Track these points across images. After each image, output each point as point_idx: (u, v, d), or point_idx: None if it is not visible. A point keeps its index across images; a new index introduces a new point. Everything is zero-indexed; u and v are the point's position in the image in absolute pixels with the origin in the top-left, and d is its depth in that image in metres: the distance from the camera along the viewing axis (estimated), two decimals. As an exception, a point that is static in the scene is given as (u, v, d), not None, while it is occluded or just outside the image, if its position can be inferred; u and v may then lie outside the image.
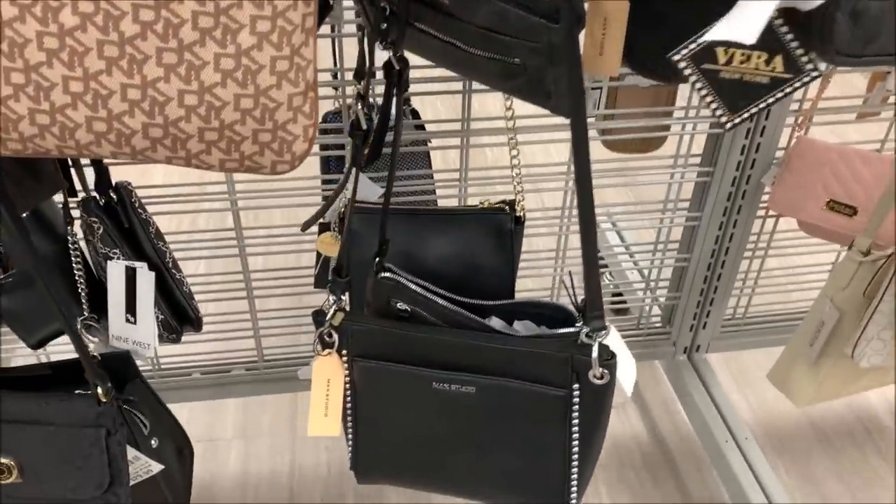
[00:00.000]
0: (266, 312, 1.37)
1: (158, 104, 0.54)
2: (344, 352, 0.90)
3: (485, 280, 1.03)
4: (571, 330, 0.84)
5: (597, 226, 1.64)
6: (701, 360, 1.53)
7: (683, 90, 1.19)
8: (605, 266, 1.74)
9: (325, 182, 1.22)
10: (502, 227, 1.03)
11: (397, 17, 0.74)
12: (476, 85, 1.12)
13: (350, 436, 0.90)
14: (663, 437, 1.57)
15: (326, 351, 0.90)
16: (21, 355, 1.46)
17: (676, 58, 0.75)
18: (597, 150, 1.25)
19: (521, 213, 1.04)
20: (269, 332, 1.38)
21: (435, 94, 1.15)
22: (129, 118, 0.54)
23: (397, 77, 0.74)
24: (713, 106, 0.75)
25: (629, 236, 1.79)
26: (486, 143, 1.23)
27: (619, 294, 1.71)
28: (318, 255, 1.13)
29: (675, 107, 1.24)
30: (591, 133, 1.25)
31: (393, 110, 0.79)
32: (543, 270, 1.38)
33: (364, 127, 0.73)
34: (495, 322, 0.96)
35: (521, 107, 0.88)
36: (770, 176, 1.24)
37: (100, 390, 0.79)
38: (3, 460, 0.80)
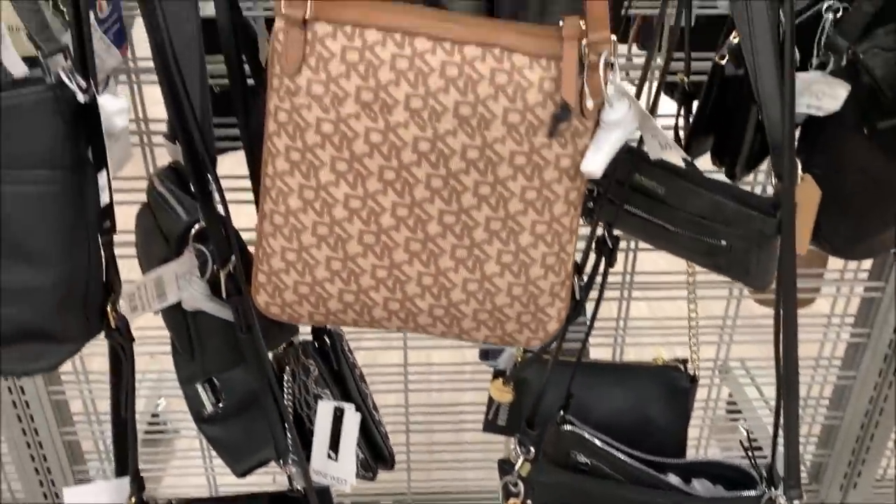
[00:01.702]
0: (418, 446, 1.43)
1: (445, 289, 0.63)
2: (528, 502, 0.94)
3: (656, 435, 1.07)
4: (754, 493, 0.87)
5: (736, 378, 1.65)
6: (851, 520, 1.49)
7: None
8: (741, 416, 1.73)
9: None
10: (677, 384, 1.07)
11: (609, 201, 0.83)
12: (641, 244, 1.20)
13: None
14: None
15: (511, 500, 0.94)
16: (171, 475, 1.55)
17: None
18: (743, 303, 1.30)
19: (695, 372, 1.08)
20: (421, 465, 1.43)
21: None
22: (420, 300, 0.64)
23: (608, 254, 0.82)
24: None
25: (770, 391, 1.78)
26: (642, 297, 1.30)
27: (759, 448, 1.69)
28: (491, 400, 1.19)
29: (826, 269, 1.28)
30: (744, 289, 1.29)
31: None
32: (693, 421, 1.40)
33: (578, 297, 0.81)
34: (672, 479, 0.98)
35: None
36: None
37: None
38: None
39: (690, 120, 0.91)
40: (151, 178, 0.90)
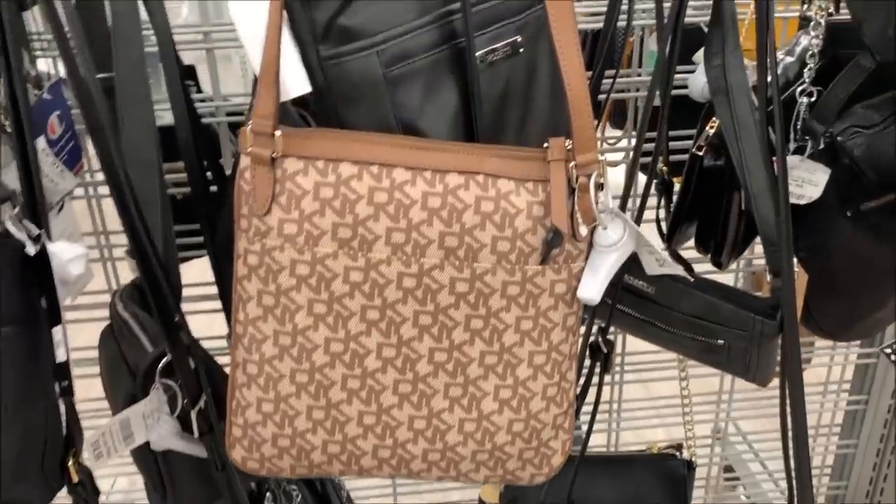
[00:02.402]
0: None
1: (440, 432, 0.58)
2: None
3: (659, 528, 1.02)
4: None
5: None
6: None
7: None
8: (739, 481, 1.68)
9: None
10: (674, 473, 1.02)
11: (602, 301, 0.80)
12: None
13: None
14: None
15: None
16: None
17: (888, 351, 0.77)
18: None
19: (692, 458, 1.04)
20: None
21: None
22: (413, 445, 0.59)
23: (604, 360, 0.78)
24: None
25: (774, 465, 1.73)
26: (635, 380, 1.26)
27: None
28: (480, 501, 1.13)
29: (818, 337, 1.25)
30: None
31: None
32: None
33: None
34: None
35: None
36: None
37: None
38: None
39: (671, 209, 0.89)
40: (114, 297, 0.85)
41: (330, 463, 0.59)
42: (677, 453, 1.04)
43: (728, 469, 1.64)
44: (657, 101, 0.73)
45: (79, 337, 1.06)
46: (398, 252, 0.55)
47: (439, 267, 0.55)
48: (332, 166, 0.55)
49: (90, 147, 0.97)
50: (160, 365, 0.74)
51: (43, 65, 1.03)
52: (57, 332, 0.61)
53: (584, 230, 0.55)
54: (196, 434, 0.73)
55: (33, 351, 0.61)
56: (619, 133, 1.29)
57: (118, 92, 0.67)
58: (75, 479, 0.69)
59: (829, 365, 1.25)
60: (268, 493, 0.93)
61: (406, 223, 0.54)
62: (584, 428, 0.87)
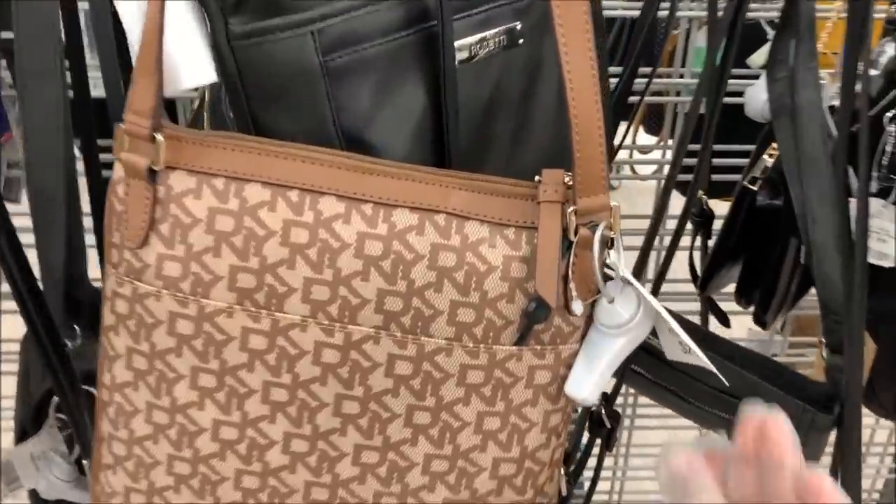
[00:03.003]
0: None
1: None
2: None
3: None
4: None
5: None
6: None
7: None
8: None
9: None
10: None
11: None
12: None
13: None
14: None
15: None
16: None
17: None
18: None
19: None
20: None
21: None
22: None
23: (606, 437, 0.62)
24: None
25: None
26: (646, 425, 1.10)
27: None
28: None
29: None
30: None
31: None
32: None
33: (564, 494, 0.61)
34: None
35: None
36: None
37: None
38: None
39: (709, 247, 0.72)
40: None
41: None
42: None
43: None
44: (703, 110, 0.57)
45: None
46: (318, 314, 0.39)
47: (374, 339, 0.39)
48: (235, 187, 0.39)
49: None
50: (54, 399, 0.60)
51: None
52: None
53: (578, 305, 0.39)
54: (93, 488, 0.59)
55: None
56: (652, 141, 1.12)
57: (17, 62, 0.52)
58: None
59: (873, 427, 1.07)
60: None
61: (332, 274, 0.39)
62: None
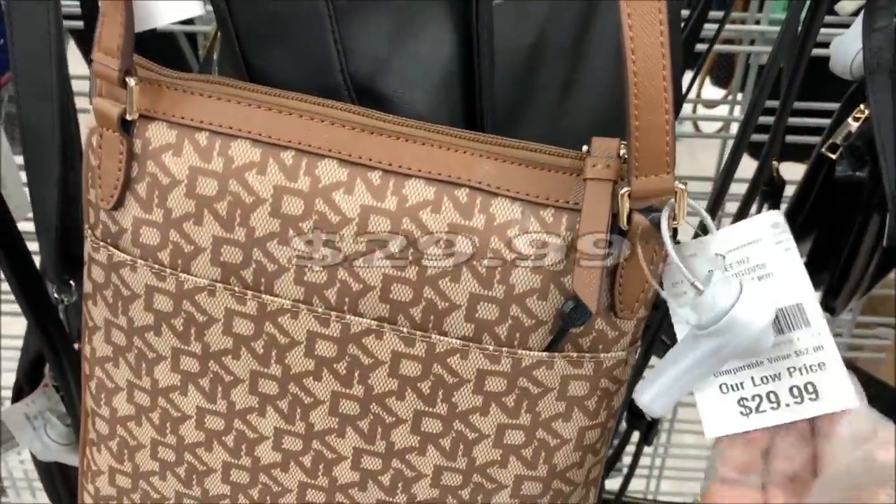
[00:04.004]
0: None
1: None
2: None
3: None
4: None
5: None
6: None
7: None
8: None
9: None
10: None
11: (663, 343, 0.57)
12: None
13: None
14: None
15: None
16: None
17: None
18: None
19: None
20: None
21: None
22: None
23: (646, 429, 0.56)
24: None
25: None
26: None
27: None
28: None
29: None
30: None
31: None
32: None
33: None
34: None
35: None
36: None
37: None
38: None
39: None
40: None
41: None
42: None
43: None
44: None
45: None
46: (313, 299, 0.33)
47: (376, 333, 0.33)
48: (220, 144, 0.33)
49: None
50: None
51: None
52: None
53: (617, 316, 0.32)
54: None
55: None
56: (719, 94, 1.01)
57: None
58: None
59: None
60: None
61: (330, 253, 0.33)
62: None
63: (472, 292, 0.33)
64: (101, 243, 0.35)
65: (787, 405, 0.34)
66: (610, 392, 0.35)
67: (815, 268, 0.63)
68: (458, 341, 0.33)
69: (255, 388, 0.35)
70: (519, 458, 0.35)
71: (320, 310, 0.33)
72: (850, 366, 0.35)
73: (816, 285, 0.65)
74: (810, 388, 0.33)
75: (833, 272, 0.62)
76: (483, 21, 0.34)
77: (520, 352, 0.33)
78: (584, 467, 0.37)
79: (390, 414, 0.35)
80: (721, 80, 1.00)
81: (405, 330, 0.33)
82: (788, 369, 0.34)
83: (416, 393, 0.34)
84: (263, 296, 0.33)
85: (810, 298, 0.34)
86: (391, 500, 0.37)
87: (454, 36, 0.35)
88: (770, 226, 0.34)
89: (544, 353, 0.33)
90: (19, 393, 0.60)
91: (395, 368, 0.34)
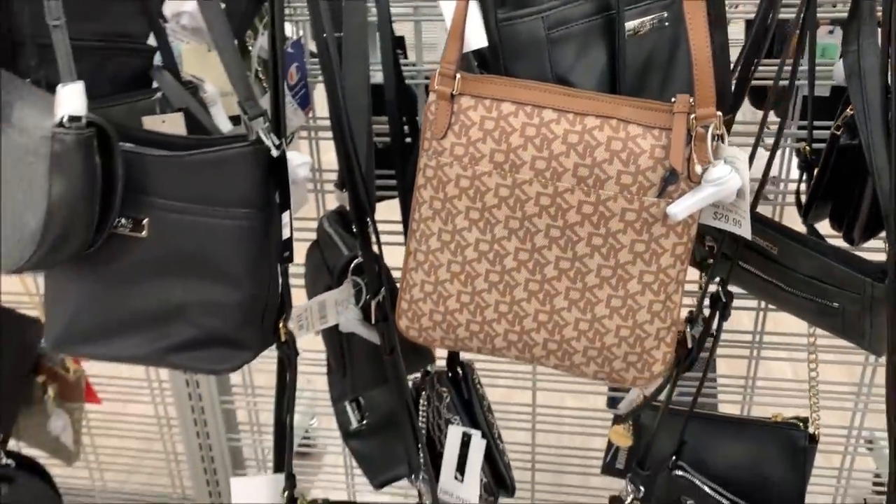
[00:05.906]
0: (544, 485, 1.49)
1: (559, 326, 0.73)
2: (637, 540, 0.99)
3: (772, 492, 1.08)
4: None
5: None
6: None
7: None
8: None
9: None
10: (796, 443, 1.08)
11: (725, 257, 0.89)
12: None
13: None
14: None
15: (621, 536, 1.00)
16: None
17: None
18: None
19: (816, 432, 1.09)
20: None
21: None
22: (536, 334, 0.73)
23: (723, 308, 0.88)
24: None
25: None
26: (774, 357, 1.31)
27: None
28: (610, 443, 1.24)
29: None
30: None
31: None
32: (823, 488, 1.37)
33: (690, 346, 0.87)
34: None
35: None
36: None
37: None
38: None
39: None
40: (321, 219, 1.06)
41: (470, 339, 0.75)
42: (801, 424, 1.09)
43: (877, 476, 1.63)
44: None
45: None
46: (539, 176, 0.69)
47: (570, 191, 0.69)
48: (495, 105, 0.70)
49: (317, 98, 1.20)
50: (352, 265, 0.94)
51: (288, 28, 1.27)
52: (285, 216, 0.81)
53: (699, 169, 0.67)
54: (373, 322, 0.92)
55: (265, 232, 0.81)
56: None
57: (344, 47, 0.86)
58: (283, 338, 0.89)
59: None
60: (423, 392, 1.12)
61: (548, 153, 0.69)
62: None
63: (619, 169, 0.68)
64: (432, 155, 0.73)
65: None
66: (688, 223, 0.69)
67: (837, 215, 0.95)
68: (613, 193, 0.68)
69: (507, 225, 0.71)
70: (642, 259, 0.70)
71: (543, 181, 0.69)
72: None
73: (840, 227, 0.96)
74: (735, 220, 0.67)
75: (849, 215, 0.93)
76: (621, 48, 0.71)
77: (643, 197, 0.68)
78: (675, 268, 0.70)
79: (576, 235, 0.70)
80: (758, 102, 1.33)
81: (585, 188, 0.69)
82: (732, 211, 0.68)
83: (589, 222, 0.69)
84: (515, 175, 0.70)
85: (745, 189, 0.68)
86: (574, 286, 0.71)
87: (606, 55, 0.71)
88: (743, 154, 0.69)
89: (655, 198, 0.68)
90: (327, 290, 0.98)
91: (579, 209, 0.69)
